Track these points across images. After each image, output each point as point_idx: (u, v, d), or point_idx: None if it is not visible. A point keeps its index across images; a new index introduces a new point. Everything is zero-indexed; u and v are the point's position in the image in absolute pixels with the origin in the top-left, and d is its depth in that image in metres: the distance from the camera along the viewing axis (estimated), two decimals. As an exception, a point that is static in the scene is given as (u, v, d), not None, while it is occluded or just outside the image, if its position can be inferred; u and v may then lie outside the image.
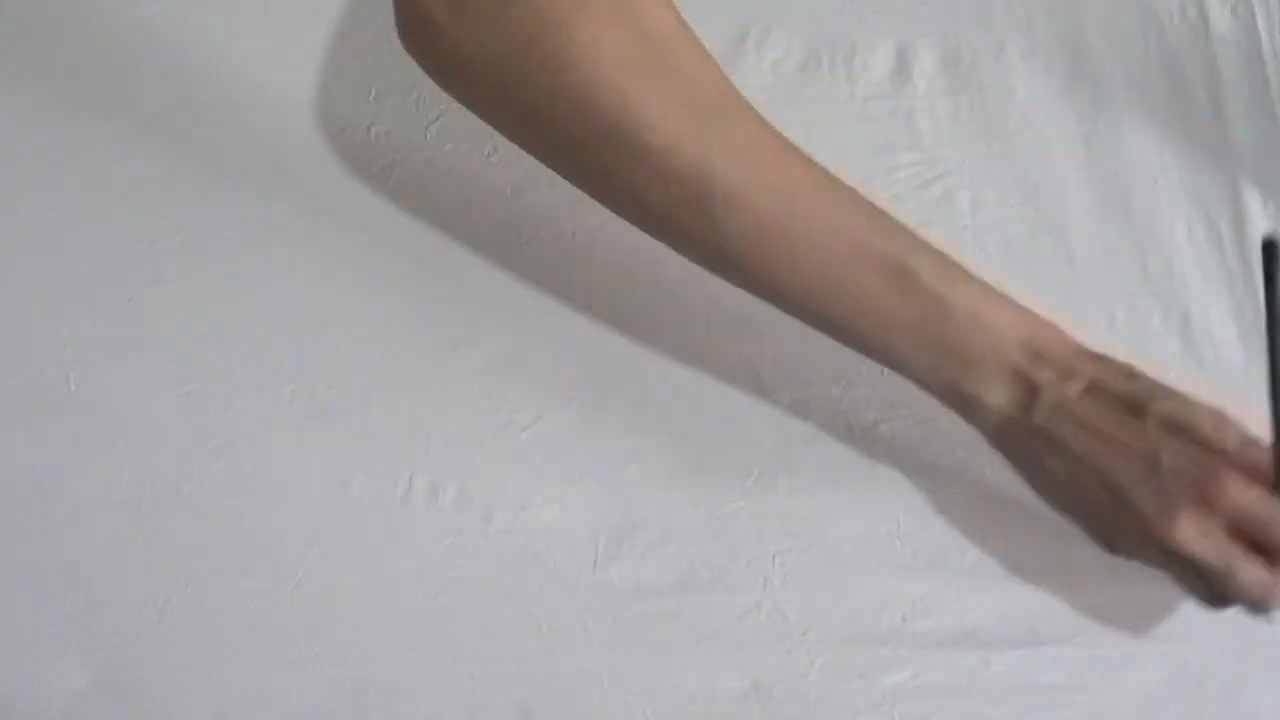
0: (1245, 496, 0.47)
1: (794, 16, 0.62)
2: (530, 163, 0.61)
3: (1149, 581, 0.56)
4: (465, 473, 0.58)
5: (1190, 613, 0.55)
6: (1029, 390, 0.49)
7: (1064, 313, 0.58)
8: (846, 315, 0.50)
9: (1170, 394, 0.49)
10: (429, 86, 0.62)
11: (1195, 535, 0.47)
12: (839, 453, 0.58)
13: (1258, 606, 0.49)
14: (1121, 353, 0.56)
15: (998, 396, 0.49)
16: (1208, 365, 0.57)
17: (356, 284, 0.60)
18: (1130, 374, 0.50)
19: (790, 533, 0.57)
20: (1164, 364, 0.57)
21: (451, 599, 0.57)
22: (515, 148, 0.61)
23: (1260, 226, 0.58)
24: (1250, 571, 0.48)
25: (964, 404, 0.50)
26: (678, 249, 0.51)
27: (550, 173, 0.60)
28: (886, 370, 0.57)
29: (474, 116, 0.61)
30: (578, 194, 0.59)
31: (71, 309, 0.61)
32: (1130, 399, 0.49)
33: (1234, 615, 0.55)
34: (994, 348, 0.49)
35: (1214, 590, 0.49)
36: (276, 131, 0.62)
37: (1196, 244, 0.59)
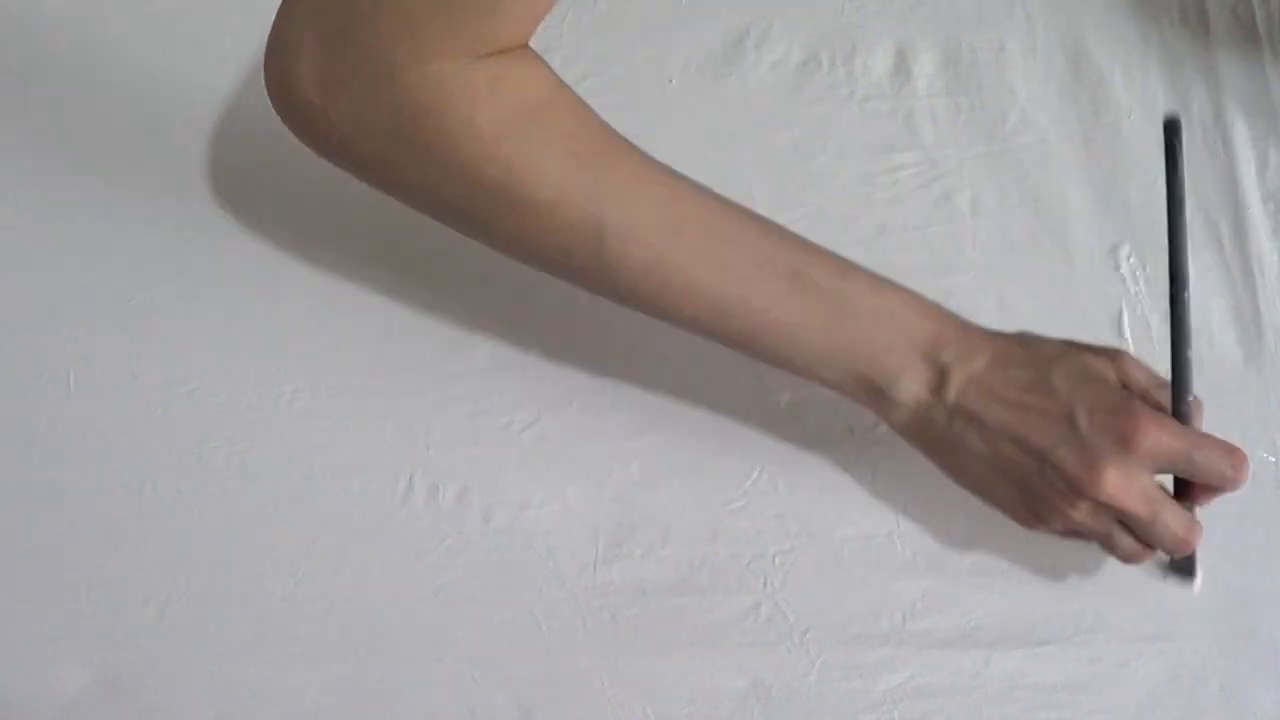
0: (1162, 433, 0.48)
1: (794, 16, 0.62)
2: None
3: (1149, 581, 0.56)
4: (465, 473, 0.58)
5: (1190, 613, 0.55)
6: (938, 372, 0.50)
7: (1064, 313, 0.58)
8: (749, 330, 0.51)
9: (1069, 349, 0.51)
10: (429, 86, 0.62)
11: (1121, 484, 0.48)
12: (839, 453, 0.58)
13: (1179, 548, 0.50)
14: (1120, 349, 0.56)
15: (909, 383, 0.50)
16: (1207, 365, 0.57)
17: (356, 284, 0.60)
18: (1025, 340, 0.51)
19: (790, 533, 0.57)
20: (1163, 364, 0.58)
21: (451, 599, 0.57)
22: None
23: (1260, 226, 0.59)
24: (1172, 514, 0.49)
25: (876, 398, 0.51)
26: (577, 285, 0.52)
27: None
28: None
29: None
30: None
31: (71, 309, 0.61)
32: (1034, 363, 0.50)
33: (1234, 614, 0.55)
34: (897, 336, 0.50)
35: (1137, 540, 0.50)
36: (277, 132, 0.62)
37: (1196, 244, 0.59)
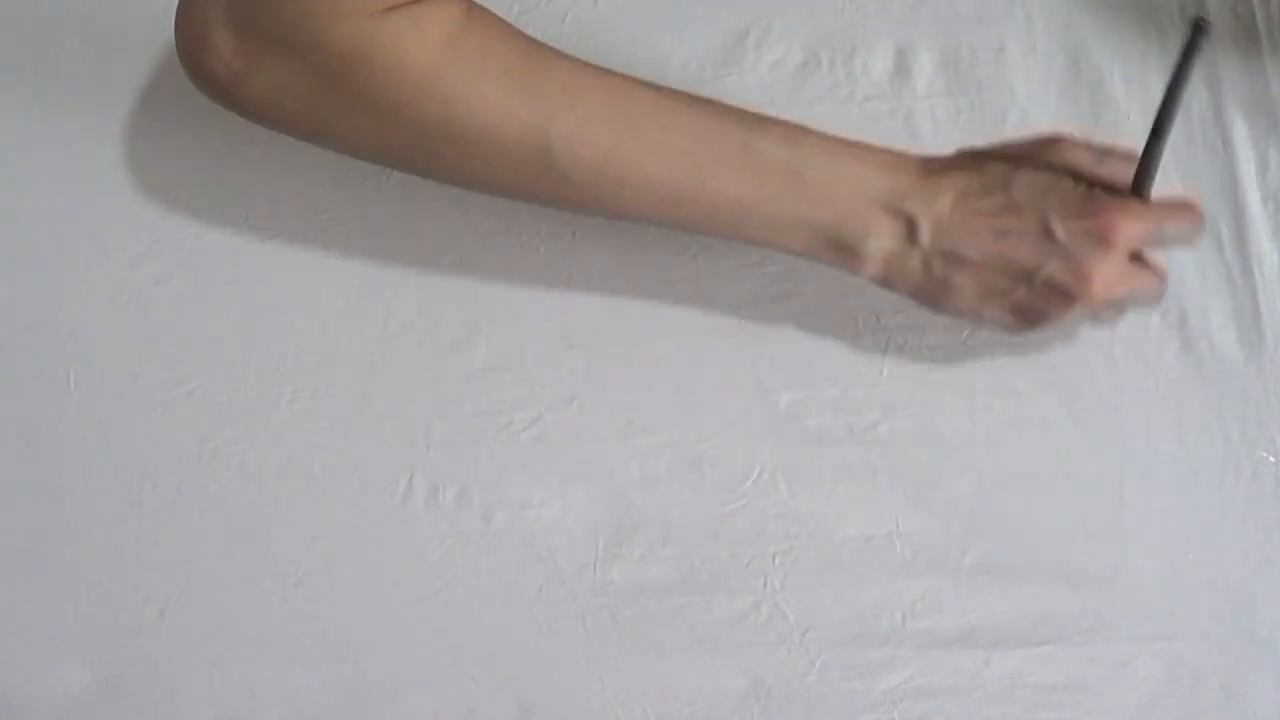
0: (1131, 220, 0.50)
1: (794, 16, 0.62)
2: (530, 163, 0.61)
3: (1149, 581, 0.56)
4: (465, 473, 0.58)
5: (1190, 612, 0.55)
6: (905, 222, 0.51)
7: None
8: (709, 212, 0.51)
9: (1017, 157, 0.52)
10: (429, 86, 0.62)
11: (1110, 278, 0.50)
12: (839, 453, 0.58)
13: (1159, 298, 0.53)
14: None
15: (878, 238, 0.51)
16: (1207, 365, 0.57)
17: (357, 284, 0.60)
18: (974, 163, 0.52)
19: (790, 533, 0.57)
20: (1164, 364, 0.58)
21: (451, 599, 0.57)
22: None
23: (1260, 226, 0.59)
24: (1149, 280, 0.52)
25: (848, 256, 0.52)
26: (528, 201, 0.52)
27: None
28: (886, 370, 0.58)
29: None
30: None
31: (71, 309, 0.61)
32: (994, 188, 0.51)
33: (1234, 615, 0.55)
34: (856, 193, 0.51)
35: (1118, 307, 0.53)
36: (277, 133, 0.62)
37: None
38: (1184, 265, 0.58)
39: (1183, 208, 0.52)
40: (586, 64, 0.50)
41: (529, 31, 0.63)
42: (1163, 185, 0.59)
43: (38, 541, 0.58)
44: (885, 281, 0.52)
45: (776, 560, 0.57)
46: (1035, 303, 0.51)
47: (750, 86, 0.61)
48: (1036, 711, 0.55)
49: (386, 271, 0.60)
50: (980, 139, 0.60)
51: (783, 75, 0.61)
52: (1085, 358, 0.58)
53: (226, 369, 0.60)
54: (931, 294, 0.52)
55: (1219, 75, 0.60)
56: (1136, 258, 0.52)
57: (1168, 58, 0.60)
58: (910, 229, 0.51)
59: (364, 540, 0.58)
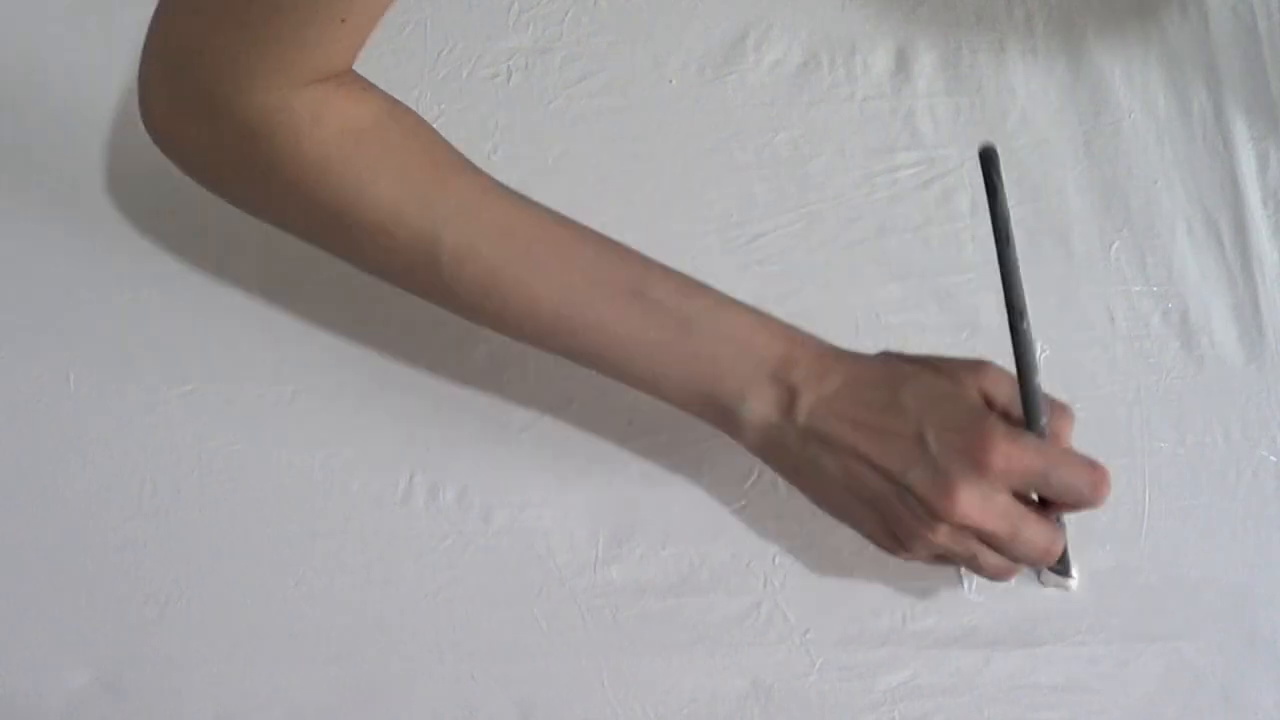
0: (1015, 450, 0.46)
1: (794, 16, 0.62)
2: (531, 163, 0.61)
3: (1149, 581, 0.56)
4: (465, 473, 0.58)
5: (1190, 612, 0.55)
6: (787, 392, 0.49)
7: (1063, 312, 0.58)
8: (592, 348, 0.50)
9: (926, 365, 0.49)
10: (428, 88, 0.62)
11: (977, 504, 0.46)
12: (839, 453, 0.57)
13: (1042, 560, 0.49)
14: (1121, 353, 0.57)
15: (757, 404, 0.49)
16: (1207, 365, 0.57)
17: (357, 284, 0.60)
18: (883, 360, 0.50)
19: (790, 533, 0.57)
20: (1164, 364, 0.58)
21: (451, 599, 0.57)
22: (516, 149, 0.61)
23: (1260, 226, 0.59)
24: (1033, 528, 0.47)
25: (725, 419, 0.50)
26: (426, 300, 0.52)
27: (551, 173, 0.60)
28: (886, 370, 0.57)
29: (473, 118, 0.61)
30: (577, 194, 0.60)
31: (71, 309, 0.61)
32: (887, 383, 0.48)
33: (1234, 614, 0.55)
34: (743, 356, 0.49)
35: (1002, 558, 0.49)
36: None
37: (1196, 244, 0.59)
38: (1184, 265, 0.58)
39: (1082, 464, 0.47)
40: (492, 181, 0.50)
41: (529, 31, 0.63)
42: (1162, 183, 0.59)
43: (38, 541, 0.58)
44: (761, 452, 0.51)
45: (776, 560, 0.57)
46: (901, 514, 0.48)
47: (750, 86, 0.61)
48: (1036, 711, 0.55)
49: (386, 271, 0.60)
50: (980, 139, 0.60)
51: (783, 75, 0.61)
52: (1085, 357, 0.58)
53: (226, 369, 0.60)
54: (804, 476, 0.50)
55: (1219, 75, 0.60)
56: (1034, 504, 0.48)
57: (1168, 58, 0.60)
58: (791, 401, 0.49)
59: (364, 540, 0.58)
